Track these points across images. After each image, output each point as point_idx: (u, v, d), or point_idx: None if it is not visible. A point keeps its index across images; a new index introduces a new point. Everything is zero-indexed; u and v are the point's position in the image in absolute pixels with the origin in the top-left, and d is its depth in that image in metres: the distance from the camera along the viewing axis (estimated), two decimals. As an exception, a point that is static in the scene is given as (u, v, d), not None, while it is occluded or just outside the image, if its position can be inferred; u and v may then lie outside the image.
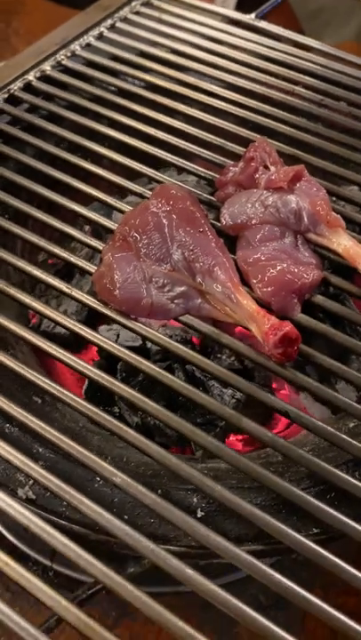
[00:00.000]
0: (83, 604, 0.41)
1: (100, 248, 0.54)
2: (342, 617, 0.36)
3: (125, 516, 0.43)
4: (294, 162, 0.61)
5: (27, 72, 0.72)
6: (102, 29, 0.78)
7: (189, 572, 0.38)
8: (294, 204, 0.54)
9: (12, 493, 0.43)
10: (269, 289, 0.50)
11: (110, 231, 0.57)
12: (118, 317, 0.50)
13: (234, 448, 0.47)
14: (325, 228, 0.53)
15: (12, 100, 0.69)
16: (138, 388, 0.51)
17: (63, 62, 0.74)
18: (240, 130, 0.66)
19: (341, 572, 0.38)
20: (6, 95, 0.69)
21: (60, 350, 0.49)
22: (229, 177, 0.58)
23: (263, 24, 0.81)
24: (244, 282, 0.51)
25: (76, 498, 0.40)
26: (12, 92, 0.70)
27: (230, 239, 0.55)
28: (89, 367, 0.48)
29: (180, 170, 0.65)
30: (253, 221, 0.54)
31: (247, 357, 0.48)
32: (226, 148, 0.64)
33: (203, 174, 0.62)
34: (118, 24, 0.79)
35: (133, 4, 0.82)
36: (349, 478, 0.42)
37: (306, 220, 0.54)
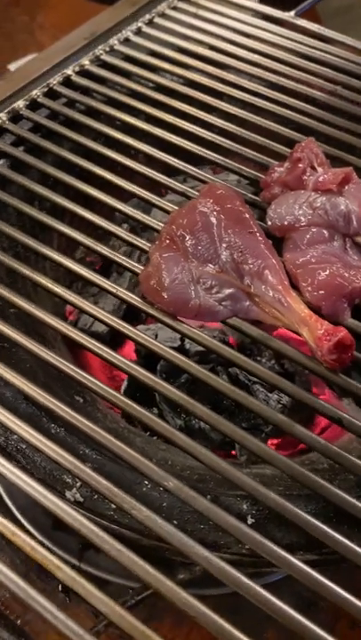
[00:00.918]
0: (132, 610, 0.40)
1: (146, 248, 0.53)
2: None
3: (175, 521, 0.42)
4: (339, 164, 0.60)
5: (65, 65, 0.72)
6: (140, 24, 0.77)
7: (245, 580, 0.37)
8: (343, 207, 0.53)
9: (60, 495, 0.43)
10: (320, 293, 0.49)
11: (150, 229, 0.57)
12: (163, 317, 0.49)
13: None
14: (375, 231, 0.53)
15: (52, 94, 0.68)
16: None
17: (102, 57, 0.73)
18: (282, 129, 0.66)
19: None
20: (46, 89, 0.68)
21: (103, 347, 0.48)
22: (275, 177, 0.57)
23: (303, 22, 0.80)
24: (292, 285, 0.50)
25: (128, 501, 0.40)
26: (51, 85, 0.69)
27: (275, 241, 0.54)
28: (134, 366, 0.47)
29: (221, 168, 0.64)
30: (301, 223, 0.53)
31: (297, 362, 0.47)
32: (269, 147, 0.63)
33: (246, 173, 0.61)
34: (156, 19, 0.78)
35: (170, -1, 0.81)
36: None
37: (355, 223, 0.53)
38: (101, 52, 0.74)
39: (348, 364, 0.45)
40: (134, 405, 0.45)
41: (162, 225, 0.55)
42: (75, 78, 0.70)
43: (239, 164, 0.62)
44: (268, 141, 0.64)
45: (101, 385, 0.46)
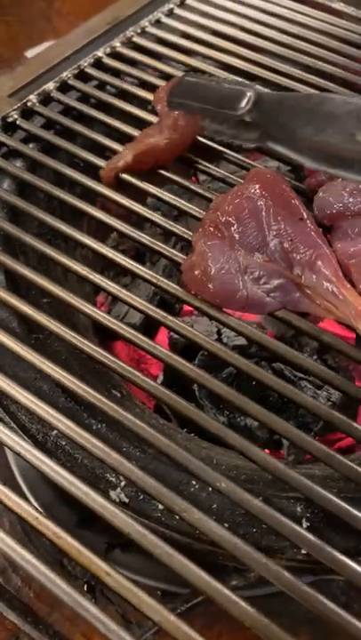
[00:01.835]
0: (182, 617, 0.38)
1: (185, 236, 0.51)
2: None
3: (226, 524, 0.40)
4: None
5: (94, 48, 0.69)
6: (172, 6, 0.74)
7: (304, 588, 0.35)
8: (395, 194, 0.51)
9: (104, 495, 0.40)
10: (374, 284, 0.46)
11: (189, 216, 0.54)
12: (206, 308, 0.47)
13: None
14: None
15: (83, 75, 0.66)
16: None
17: (133, 39, 0.70)
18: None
19: None
20: (76, 71, 0.66)
21: (139, 335, 0.46)
22: (321, 163, 0.55)
23: (340, 5, 0.77)
24: (344, 276, 0.48)
25: (179, 503, 0.37)
26: (82, 67, 0.66)
27: (323, 230, 0.52)
28: (174, 356, 0.45)
29: (260, 153, 0.61)
30: (351, 211, 0.51)
31: (353, 359, 0.44)
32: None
33: (286, 159, 0.58)
34: (188, 1, 0.76)
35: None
36: None
37: None
38: (132, 33, 0.71)
39: None
40: (180, 400, 0.42)
41: (202, 212, 0.52)
42: (106, 60, 0.68)
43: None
44: (309, 127, 0.61)
45: (143, 377, 0.44)
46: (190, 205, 0.54)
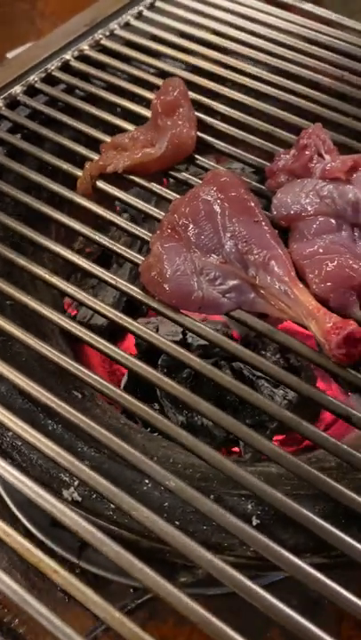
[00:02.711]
0: (131, 614, 0.39)
1: (147, 238, 0.51)
2: None
3: (177, 522, 0.40)
4: (346, 151, 0.58)
5: (64, 51, 0.69)
6: (141, 8, 0.75)
7: (248, 584, 0.35)
8: (351, 195, 0.51)
9: (57, 494, 0.41)
10: (327, 285, 0.47)
11: (152, 219, 0.55)
12: (165, 310, 0.48)
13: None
14: (384, 221, 0.50)
15: (50, 79, 0.66)
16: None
17: (102, 42, 0.71)
18: (288, 116, 0.63)
19: None
20: (44, 75, 0.66)
21: (102, 341, 0.46)
22: (281, 165, 0.55)
23: (309, 6, 0.77)
24: (299, 276, 0.48)
25: (127, 501, 0.38)
26: (49, 71, 0.67)
27: (281, 231, 0.52)
28: (134, 360, 0.45)
29: (225, 156, 0.62)
30: (308, 212, 0.51)
31: (304, 356, 0.45)
32: (275, 134, 0.61)
33: (250, 161, 0.59)
34: (158, 3, 0.76)
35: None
36: None
37: (364, 212, 0.51)
38: (101, 36, 0.71)
39: (357, 358, 0.43)
40: (134, 401, 0.43)
41: (163, 214, 0.53)
42: (73, 63, 0.68)
43: (243, 152, 0.60)
44: (273, 128, 0.62)
45: (100, 380, 0.44)
46: (153, 208, 0.54)
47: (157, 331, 0.61)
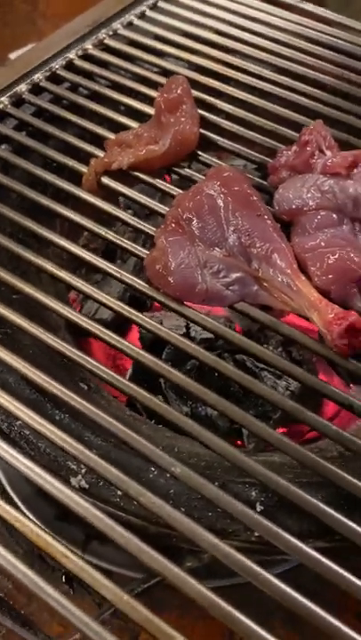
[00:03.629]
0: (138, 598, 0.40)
1: (151, 232, 0.52)
2: None
3: (182, 509, 0.41)
4: (347, 148, 0.59)
5: (68, 50, 0.70)
6: (144, 8, 0.76)
7: (254, 567, 0.36)
8: (352, 190, 0.52)
9: (65, 482, 0.42)
10: (329, 277, 0.48)
11: (156, 214, 0.56)
12: (169, 303, 0.48)
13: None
14: (385, 215, 0.51)
15: (55, 78, 0.67)
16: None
17: (105, 41, 0.72)
18: (290, 114, 0.64)
19: None
20: (48, 74, 0.67)
21: (108, 332, 0.47)
22: (283, 161, 0.56)
23: (310, 6, 0.78)
24: (301, 269, 0.49)
25: (135, 488, 0.39)
26: (53, 70, 0.68)
27: (283, 226, 0.53)
28: (140, 351, 0.46)
29: (227, 153, 0.63)
30: (310, 207, 0.52)
31: (307, 347, 0.46)
32: (277, 131, 0.62)
33: (253, 158, 0.60)
34: (160, 3, 0.77)
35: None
36: None
37: (365, 206, 0.52)
38: (105, 36, 0.72)
39: (358, 349, 0.44)
40: (141, 391, 0.44)
41: (167, 209, 0.54)
42: (78, 62, 0.69)
43: (246, 149, 0.61)
44: (275, 125, 0.63)
45: (107, 370, 0.45)
46: (157, 203, 0.55)
47: (161, 324, 0.61)
